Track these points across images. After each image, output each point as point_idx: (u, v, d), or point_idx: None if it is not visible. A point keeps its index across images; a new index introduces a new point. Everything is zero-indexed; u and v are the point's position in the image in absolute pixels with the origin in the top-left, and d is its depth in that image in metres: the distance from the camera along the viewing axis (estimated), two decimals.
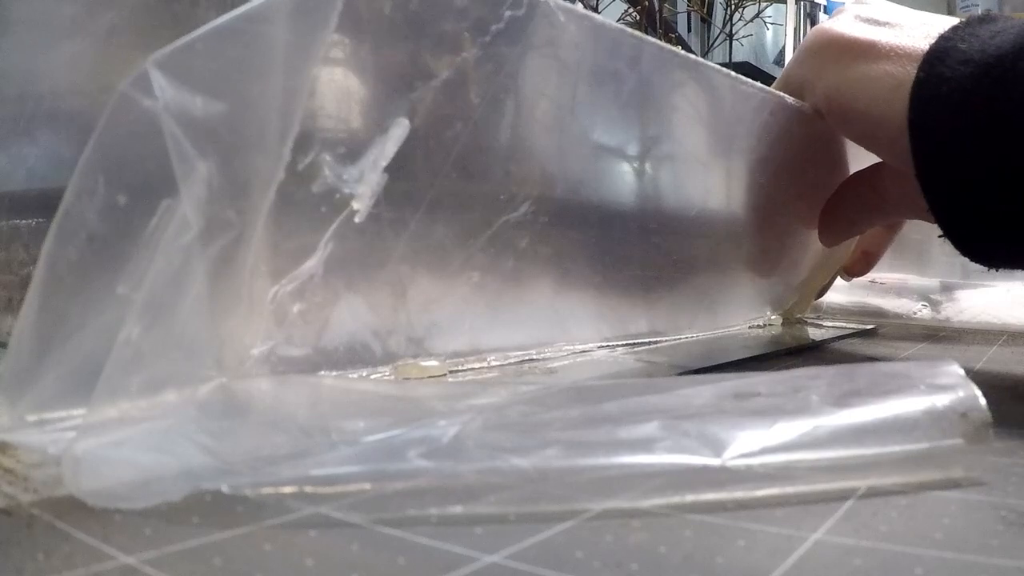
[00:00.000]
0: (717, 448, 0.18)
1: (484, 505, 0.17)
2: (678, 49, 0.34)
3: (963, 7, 2.25)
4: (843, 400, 0.20)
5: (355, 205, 0.23)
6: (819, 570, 0.15)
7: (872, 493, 0.19)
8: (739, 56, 2.30)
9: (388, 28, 0.24)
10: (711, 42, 0.86)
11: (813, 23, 1.97)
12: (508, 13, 0.26)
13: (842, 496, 0.18)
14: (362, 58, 0.24)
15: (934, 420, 0.19)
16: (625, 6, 0.65)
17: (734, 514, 0.17)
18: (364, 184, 0.23)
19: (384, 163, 0.24)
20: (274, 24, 0.20)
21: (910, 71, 0.33)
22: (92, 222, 0.18)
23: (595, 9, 0.50)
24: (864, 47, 0.36)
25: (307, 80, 0.21)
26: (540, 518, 0.17)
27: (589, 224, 0.34)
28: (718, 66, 0.37)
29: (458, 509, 0.17)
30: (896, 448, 0.19)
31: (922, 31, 0.35)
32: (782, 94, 0.40)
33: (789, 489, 0.18)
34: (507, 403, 0.21)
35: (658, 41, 0.33)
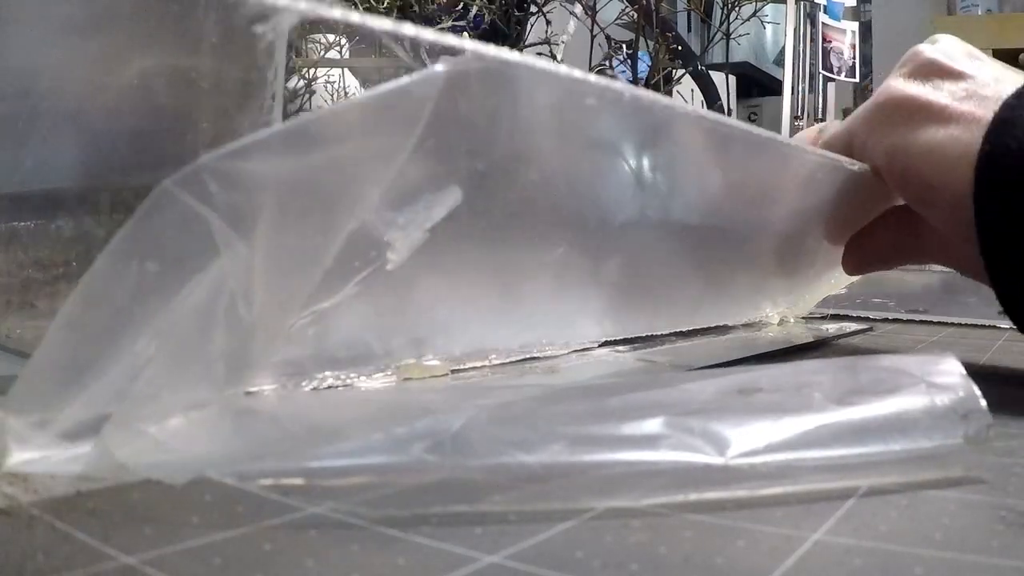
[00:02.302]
0: (721, 446, 0.18)
1: (488, 504, 0.17)
2: (734, 121, 0.33)
3: (963, 7, 2.26)
4: (845, 398, 0.20)
5: (390, 257, 0.23)
6: (819, 570, 0.15)
7: (872, 492, 0.19)
8: (739, 56, 2.30)
9: (458, 118, 0.24)
10: (709, 41, 0.86)
11: (813, 23, 1.97)
12: (590, 101, 0.26)
13: (842, 496, 0.18)
14: (424, 139, 0.24)
15: (935, 420, 0.19)
16: (623, 5, 0.65)
17: (734, 514, 0.17)
18: (405, 244, 0.23)
19: (429, 226, 0.24)
20: (350, 131, 0.20)
21: (977, 137, 0.32)
22: (120, 297, 0.18)
23: (593, 9, 0.50)
24: (934, 110, 0.34)
25: (378, 184, 0.21)
26: (541, 517, 0.17)
27: (608, 247, 0.34)
28: (772, 134, 0.35)
29: (462, 508, 0.17)
30: (897, 447, 0.19)
31: (994, 90, 0.33)
32: (836, 157, 0.38)
33: (791, 488, 0.18)
34: (512, 399, 0.21)
35: (703, 112, 0.32)
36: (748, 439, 0.18)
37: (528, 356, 0.34)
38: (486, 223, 0.28)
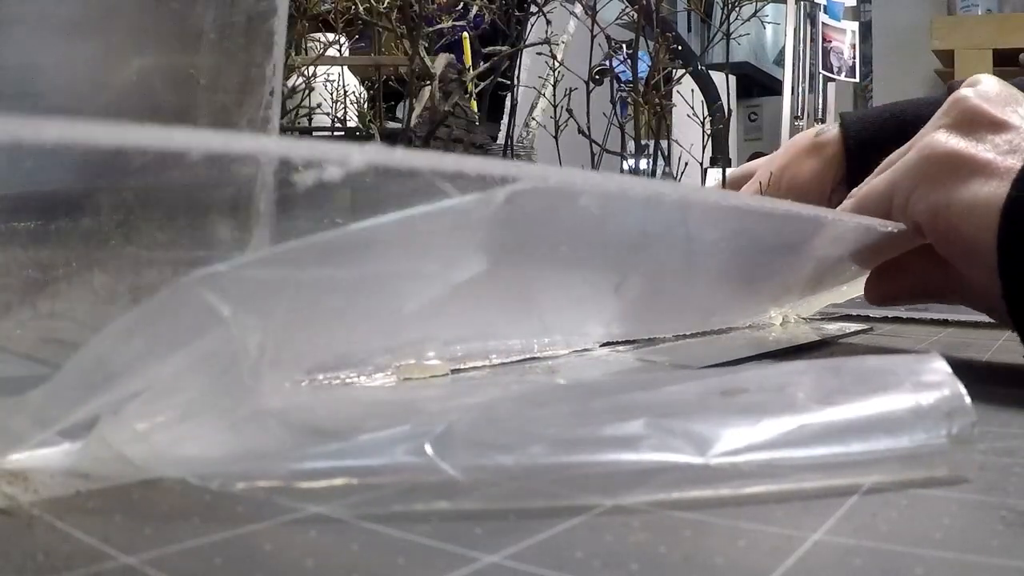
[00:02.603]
0: (702, 446, 0.18)
1: (472, 501, 0.17)
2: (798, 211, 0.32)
3: (963, 7, 2.25)
4: (828, 398, 0.20)
5: (409, 306, 0.23)
6: (819, 570, 0.15)
7: (872, 490, 0.19)
8: (739, 56, 2.30)
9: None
10: (709, 41, 0.87)
11: (813, 23, 1.97)
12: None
13: (841, 493, 0.18)
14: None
15: (918, 419, 0.19)
16: (623, 5, 0.65)
17: (734, 514, 0.17)
18: (424, 295, 0.23)
19: (450, 285, 0.23)
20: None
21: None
22: (125, 354, 0.18)
23: (593, 9, 0.50)
24: (978, 165, 0.34)
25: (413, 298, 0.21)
26: (540, 515, 0.17)
27: (629, 267, 0.34)
28: (814, 211, 0.34)
29: (443, 505, 0.17)
30: (881, 447, 0.19)
31: None
32: (872, 221, 0.37)
33: (774, 487, 0.18)
34: (498, 400, 0.21)
35: (746, 200, 0.32)
36: (729, 439, 0.18)
37: (528, 356, 0.34)
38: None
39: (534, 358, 0.34)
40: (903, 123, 0.68)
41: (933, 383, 0.20)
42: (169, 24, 0.29)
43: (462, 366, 0.31)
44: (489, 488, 0.17)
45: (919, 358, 0.21)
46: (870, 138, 0.69)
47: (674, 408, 0.20)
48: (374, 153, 0.18)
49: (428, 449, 0.17)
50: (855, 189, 0.41)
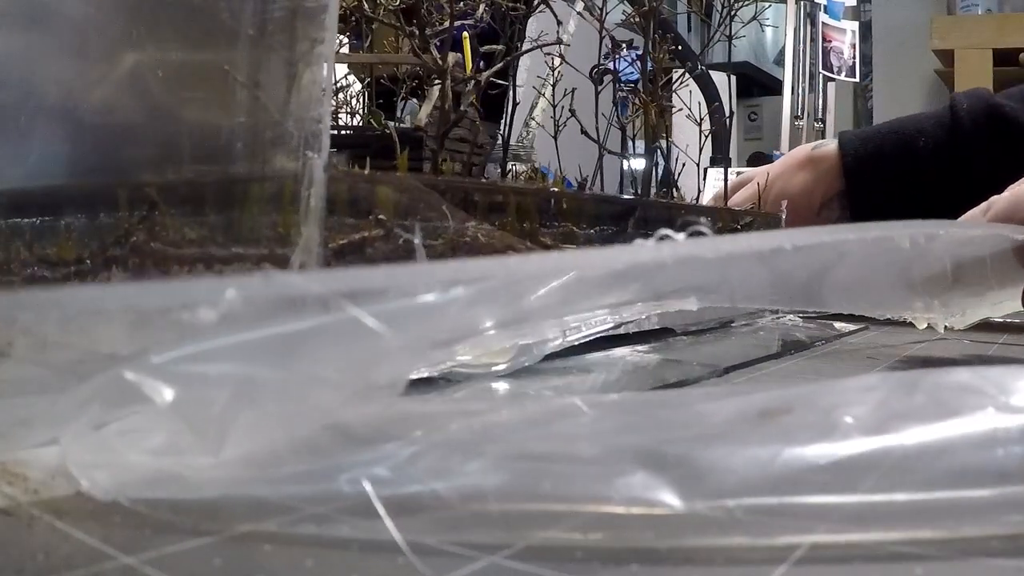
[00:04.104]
0: (689, 486, 0.16)
1: (409, 531, 0.15)
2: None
3: (963, 7, 2.25)
4: (882, 424, 0.16)
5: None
6: (821, 569, 0.15)
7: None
8: (739, 56, 2.29)
9: None
10: (708, 42, 0.87)
11: (813, 23, 1.97)
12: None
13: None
14: None
15: (989, 453, 0.15)
16: (625, 7, 0.65)
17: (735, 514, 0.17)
18: None
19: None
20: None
21: None
22: None
23: (601, 11, 0.50)
24: None
25: None
26: (540, 518, 0.17)
27: None
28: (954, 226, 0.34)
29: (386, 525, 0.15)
30: (926, 495, 0.15)
31: None
32: (1004, 230, 0.36)
33: (761, 542, 0.15)
34: (496, 422, 0.19)
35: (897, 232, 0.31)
36: (730, 478, 0.16)
37: (563, 344, 0.32)
38: None
39: (571, 348, 0.32)
40: (903, 137, 0.69)
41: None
42: (198, 17, 0.28)
43: (521, 340, 0.29)
44: (420, 516, 0.16)
45: (1017, 371, 0.17)
46: (868, 155, 0.69)
47: (693, 431, 0.17)
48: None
49: (377, 476, 0.16)
50: (1013, 185, 0.39)
